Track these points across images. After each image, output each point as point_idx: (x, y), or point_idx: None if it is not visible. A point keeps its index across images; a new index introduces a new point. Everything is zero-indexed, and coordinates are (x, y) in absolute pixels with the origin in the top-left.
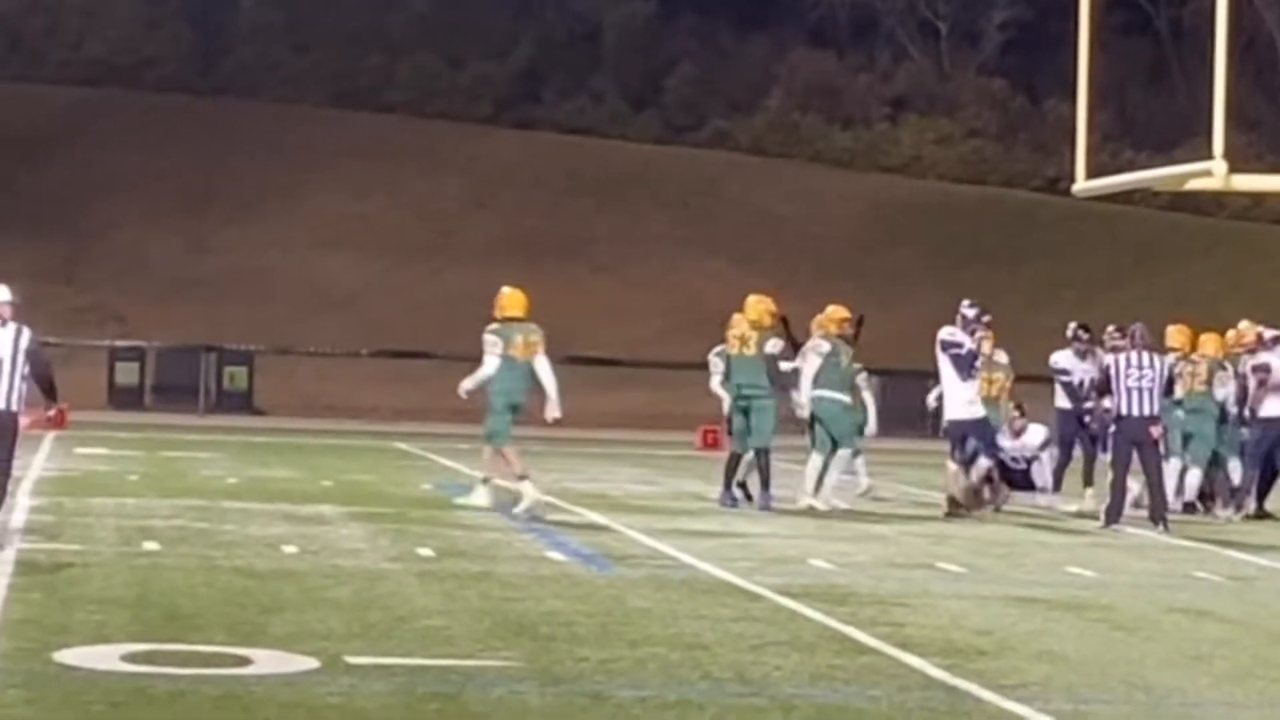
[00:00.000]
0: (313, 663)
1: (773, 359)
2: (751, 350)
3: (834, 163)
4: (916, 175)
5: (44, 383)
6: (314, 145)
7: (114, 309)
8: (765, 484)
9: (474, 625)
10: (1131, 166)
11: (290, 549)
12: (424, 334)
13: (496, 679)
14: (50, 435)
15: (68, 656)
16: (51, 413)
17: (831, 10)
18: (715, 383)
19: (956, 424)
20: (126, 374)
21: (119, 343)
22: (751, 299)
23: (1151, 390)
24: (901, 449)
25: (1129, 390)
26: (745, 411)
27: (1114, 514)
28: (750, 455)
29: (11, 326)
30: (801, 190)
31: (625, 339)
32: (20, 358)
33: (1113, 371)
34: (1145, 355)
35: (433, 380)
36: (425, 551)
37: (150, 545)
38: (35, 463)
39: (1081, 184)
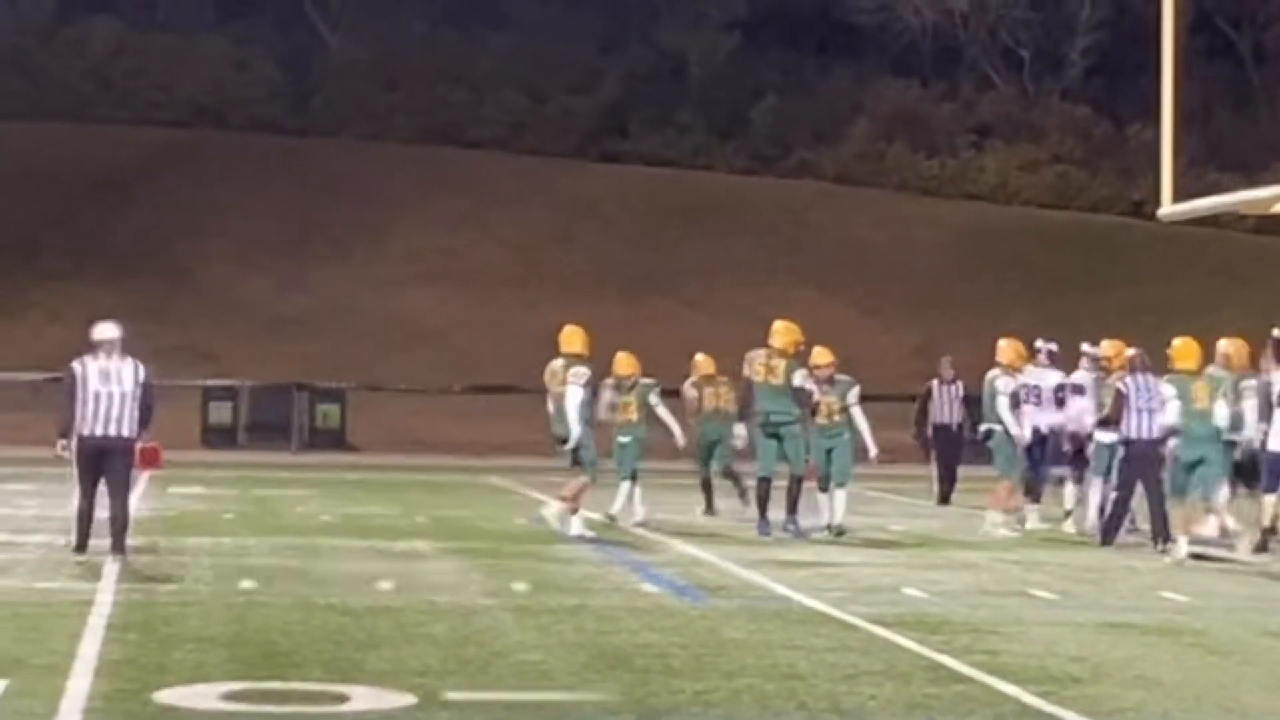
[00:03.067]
0: (410, 699)
1: (801, 390)
2: (779, 379)
3: (920, 191)
4: (1002, 202)
5: (147, 414)
6: (402, 182)
7: (207, 348)
8: (792, 508)
9: (570, 659)
10: (1217, 190)
11: (386, 585)
12: (514, 368)
13: (593, 713)
14: (145, 475)
15: (166, 697)
16: (144, 444)
17: (915, 40)
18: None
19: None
20: (220, 413)
21: (212, 382)
22: (779, 325)
23: (1160, 413)
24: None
25: (1139, 412)
26: (776, 438)
27: (1111, 532)
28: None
29: (129, 361)
30: (888, 218)
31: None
32: (138, 390)
33: (1123, 394)
34: (1153, 378)
35: (523, 414)
36: (520, 586)
37: (247, 584)
38: (130, 503)
39: (1167, 208)
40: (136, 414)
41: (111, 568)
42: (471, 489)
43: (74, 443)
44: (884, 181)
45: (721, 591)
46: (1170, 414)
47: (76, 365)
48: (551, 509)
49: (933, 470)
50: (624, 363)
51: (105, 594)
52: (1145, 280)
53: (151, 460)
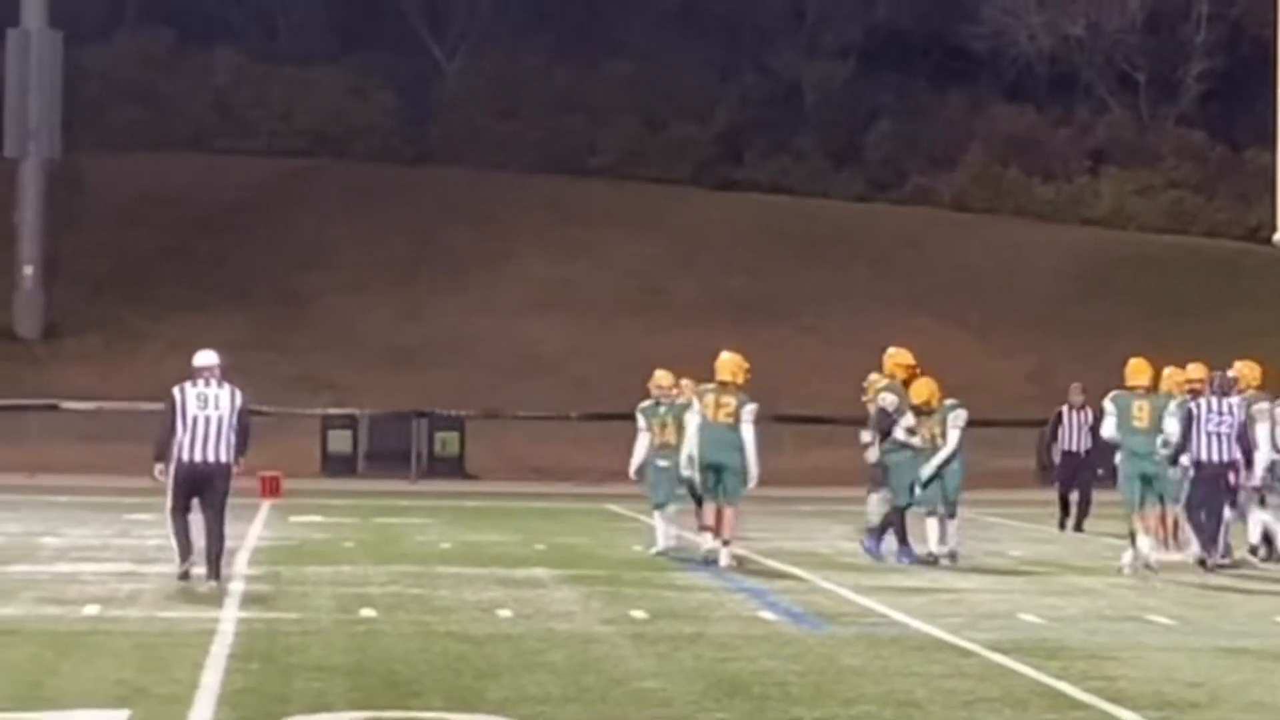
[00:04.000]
0: None
1: (883, 412)
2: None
3: (1035, 216)
4: (1118, 227)
5: (244, 439)
6: (519, 210)
7: (326, 377)
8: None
9: (688, 687)
10: None
11: (505, 613)
12: (632, 395)
13: None
14: (266, 504)
15: None
16: (240, 468)
17: (1030, 65)
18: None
19: None
20: (339, 441)
21: (331, 410)
22: (890, 351)
23: (1230, 435)
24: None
25: (1209, 435)
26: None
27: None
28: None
29: (226, 387)
30: (1003, 244)
31: (830, 396)
32: (234, 416)
33: (1193, 417)
34: (1224, 400)
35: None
36: (638, 614)
37: (367, 612)
38: (251, 532)
39: None
40: (233, 439)
41: (233, 597)
42: (590, 515)
43: (172, 467)
44: (999, 207)
45: (839, 618)
46: (1105, 428)
47: (176, 392)
48: (723, 558)
49: (1057, 495)
50: (663, 379)
51: (227, 623)
52: (1262, 305)
53: (272, 490)
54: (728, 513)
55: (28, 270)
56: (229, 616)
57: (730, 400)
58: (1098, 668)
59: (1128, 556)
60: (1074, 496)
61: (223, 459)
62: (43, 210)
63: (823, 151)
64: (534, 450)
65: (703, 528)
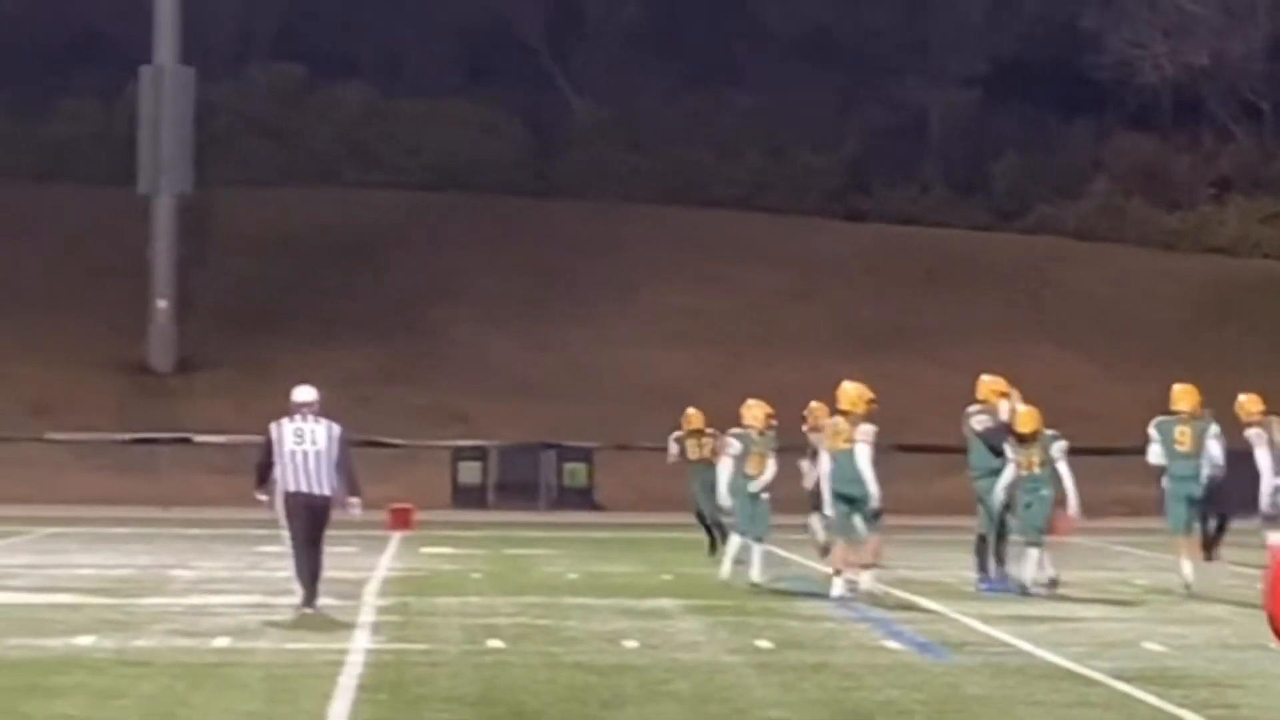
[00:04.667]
0: None
1: (977, 434)
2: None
3: (1160, 245)
4: (1242, 255)
5: (347, 472)
6: (646, 242)
7: (456, 409)
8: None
9: (812, 716)
10: None
11: (631, 643)
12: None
13: None
14: (397, 535)
15: None
16: (356, 505)
17: (1155, 94)
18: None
19: None
20: (469, 473)
21: (461, 442)
22: (984, 379)
23: None
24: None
25: None
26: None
27: None
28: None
29: (323, 422)
30: (1127, 273)
31: (955, 425)
32: (332, 449)
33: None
34: None
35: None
36: (763, 643)
37: (494, 643)
38: (381, 563)
39: None
40: (331, 472)
41: (362, 628)
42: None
43: (280, 501)
44: (1124, 236)
45: (963, 647)
46: (1151, 454)
47: (273, 427)
48: (864, 580)
49: None
50: (755, 410)
51: (356, 654)
52: None
53: (402, 521)
54: (873, 540)
55: (161, 304)
56: (358, 647)
57: (848, 428)
58: (1220, 696)
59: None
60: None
61: (322, 492)
62: (175, 245)
63: (948, 181)
64: (661, 481)
65: (848, 564)
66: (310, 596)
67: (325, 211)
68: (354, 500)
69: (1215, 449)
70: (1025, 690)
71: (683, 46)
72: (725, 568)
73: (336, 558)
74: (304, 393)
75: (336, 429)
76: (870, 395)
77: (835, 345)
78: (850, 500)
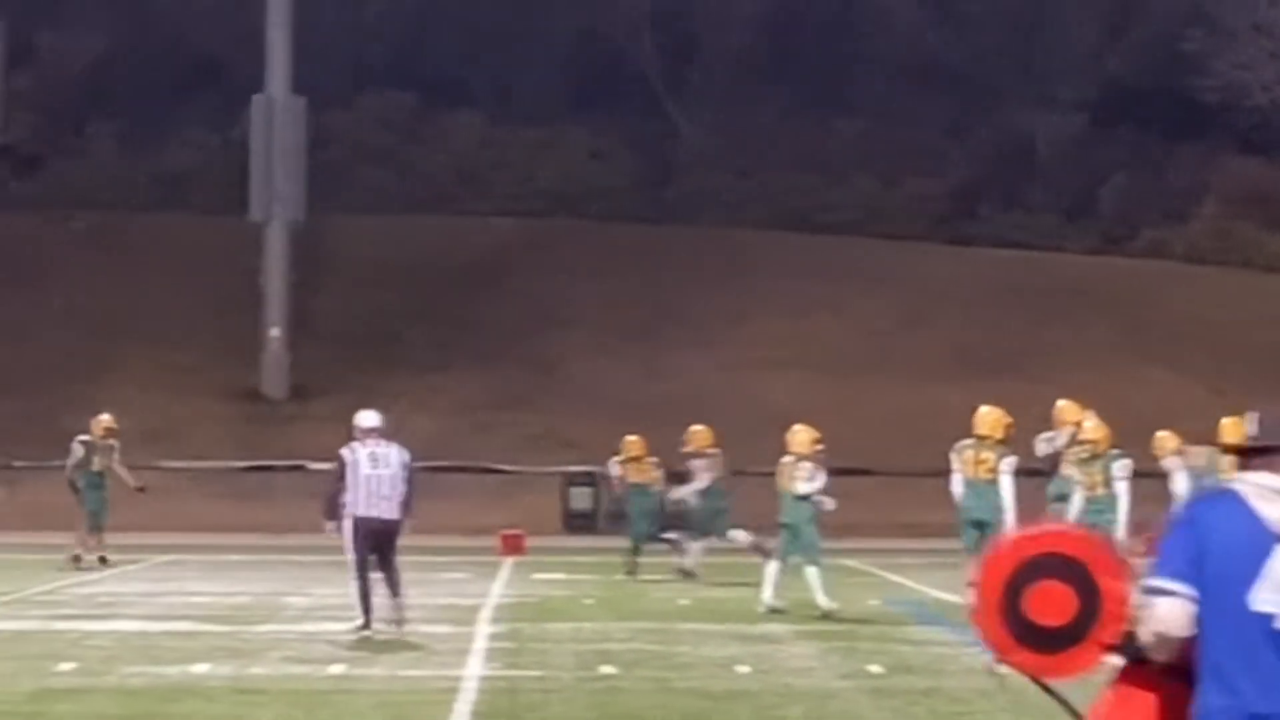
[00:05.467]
0: None
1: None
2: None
3: (1266, 268)
4: None
5: (410, 496)
6: (758, 268)
7: (568, 435)
8: None
9: None
10: None
11: (743, 669)
12: (866, 450)
13: None
14: (509, 561)
15: None
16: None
17: (1263, 116)
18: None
19: None
20: (581, 499)
21: (573, 468)
22: (1059, 403)
23: None
24: None
25: None
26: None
27: None
28: None
29: (394, 445)
30: (1236, 296)
31: None
32: (403, 472)
33: None
34: None
35: (876, 496)
36: (875, 668)
37: (607, 669)
38: (494, 589)
39: None
40: (403, 494)
41: (476, 654)
42: (826, 571)
43: (349, 524)
44: (1232, 259)
45: None
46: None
47: (346, 452)
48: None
49: None
50: (802, 436)
51: (470, 680)
52: None
53: (514, 547)
54: None
55: (274, 332)
56: (471, 674)
57: (989, 455)
58: None
59: None
60: None
61: (395, 515)
62: (288, 273)
63: (1056, 206)
64: (773, 506)
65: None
66: (401, 618)
67: (438, 239)
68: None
69: None
70: None
71: (793, 72)
72: (767, 593)
73: (449, 584)
74: (372, 418)
75: (405, 453)
76: (1009, 420)
77: (945, 370)
78: (982, 525)
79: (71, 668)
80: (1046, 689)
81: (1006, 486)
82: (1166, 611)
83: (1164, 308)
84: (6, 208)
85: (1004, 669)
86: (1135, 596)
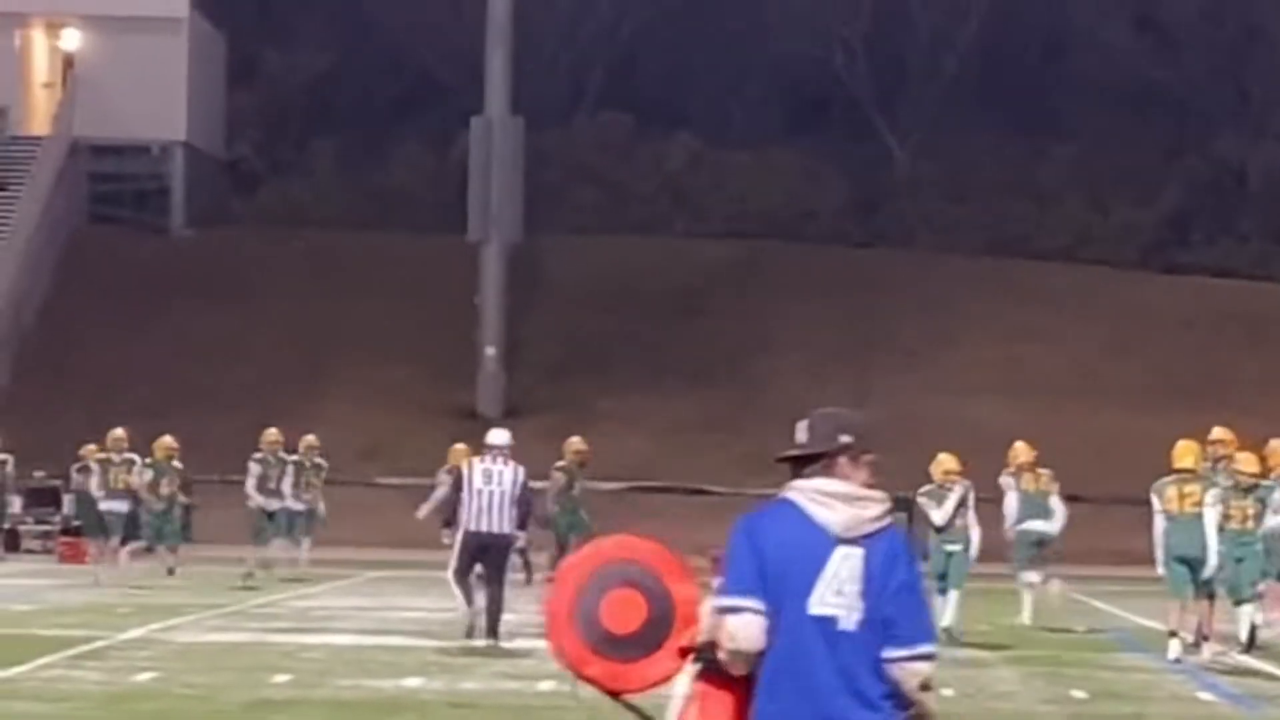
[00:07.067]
0: None
1: None
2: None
3: None
4: None
5: (525, 513)
6: (968, 293)
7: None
8: None
9: None
10: None
11: (948, 692)
12: (1075, 476)
13: None
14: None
15: None
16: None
17: None
18: None
19: None
20: None
21: (780, 491)
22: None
23: None
24: None
25: None
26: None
27: None
28: None
29: (510, 464)
30: None
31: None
32: (515, 491)
33: None
34: None
35: (1087, 523)
36: (1079, 694)
37: None
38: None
39: None
40: (512, 513)
41: (687, 673)
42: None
43: (459, 535)
44: None
45: (1276, 699)
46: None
47: (464, 466)
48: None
49: None
50: (946, 464)
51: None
52: None
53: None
54: (1204, 606)
55: (490, 351)
56: (680, 692)
57: (1195, 489)
58: None
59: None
60: None
61: (504, 530)
62: (504, 293)
63: (1267, 234)
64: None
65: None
66: (494, 632)
67: (651, 261)
68: (518, 535)
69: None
70: None
71: (1005, 97)
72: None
73: None
74: (499, 435)
75: (522, 472)
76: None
77: (1153, 398)
78: (1189, 562)
79: (286, 679)
80: (624, 703)
81: (1210, 522)
82: (739, 628)
83: None
84: (228, 224)
85: (580, 686)
86: (708, 613)
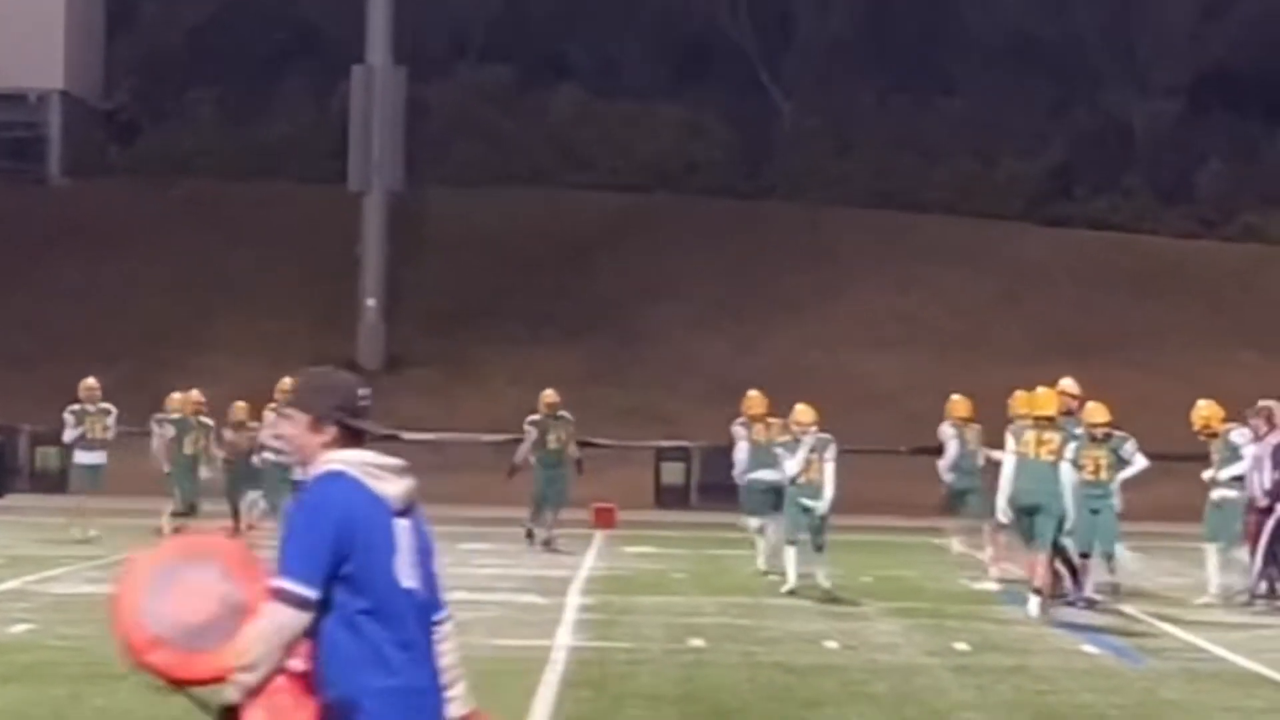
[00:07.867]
0: None
1: None
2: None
3: None
4: None
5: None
6: (854, 246)
7: (661, 410)
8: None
9: (1008, 719)
10: None
11: (831, 644)
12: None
13: None
14: (600, 534)
15: None
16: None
17: None
18: None
19: None
20: (672, 473)
21: (665, 443)
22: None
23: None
24: None
25: None
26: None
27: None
28: None
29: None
30: None
31: (1159, 432)
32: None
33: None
34: None
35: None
36: (961, 646)
37: (696, 642)
38: (585, 561)
39: None
40: None
41: (565, 625)
42: (916, 549)
43: None
44: None
45: (1160, 653)
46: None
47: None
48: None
49: None
50: (799, 414)
51: (559, 651)
52: None
53: (606, 520)
54: (1041, 558)
55: (370, 303)
56: (561, 644)
57: (1054, 437)
58: None
59: None
60: None
61: None
62: (385, 244)
63: (1152, 189)
64: (865, 484)
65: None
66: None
67: (535, 213)
68: None
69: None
70: (1220, 696)
71: (891, 52)
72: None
73: (541, 556)
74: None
75: None
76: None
77: (1039, 351)
78: (1030, 511)
79: None
80: (186, 692)
81: (1067, 471)
82: (285, 615)
83: (1259, 291)
84: (106, 174)
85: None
86: (264, 598)
